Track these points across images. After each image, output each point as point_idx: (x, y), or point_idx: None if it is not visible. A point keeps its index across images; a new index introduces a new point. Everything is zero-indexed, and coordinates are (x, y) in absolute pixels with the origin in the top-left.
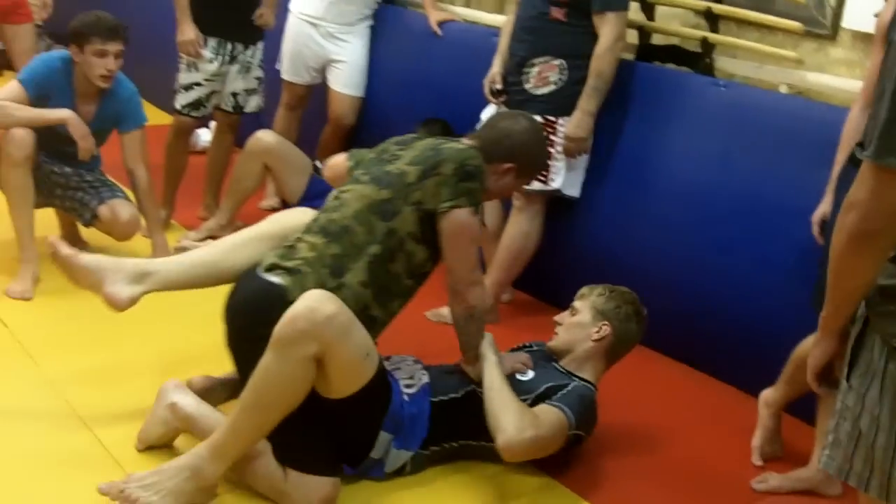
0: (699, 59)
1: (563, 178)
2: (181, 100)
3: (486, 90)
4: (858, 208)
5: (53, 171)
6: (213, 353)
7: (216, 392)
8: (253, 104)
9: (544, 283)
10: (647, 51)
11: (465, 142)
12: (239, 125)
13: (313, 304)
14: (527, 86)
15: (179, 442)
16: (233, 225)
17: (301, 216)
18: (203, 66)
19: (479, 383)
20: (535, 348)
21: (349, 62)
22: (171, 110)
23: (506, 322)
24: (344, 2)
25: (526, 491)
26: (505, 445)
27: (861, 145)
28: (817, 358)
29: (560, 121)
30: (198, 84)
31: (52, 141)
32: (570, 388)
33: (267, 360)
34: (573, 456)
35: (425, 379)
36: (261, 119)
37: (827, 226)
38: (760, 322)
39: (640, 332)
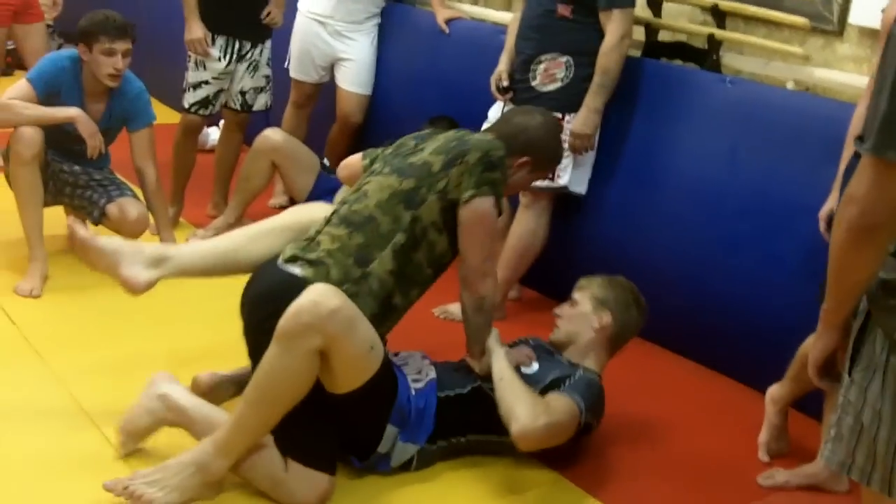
0: (706, 56)
1: (570, 175)
2: (189, 98)
3: (493, 87)
4: (859, 202)
5: (62, 169)
6: (221, 350)
7: (222, 388)
8: (261, 102)
9: (551, 279)
10: (654, 47)
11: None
12: (247, 124)
13: (317, 297)
14: (533, 83)
15: (167, 440)
16: (241, 223)
17: (319, 210)
18: (211, 64)
19: (485, 378)
20: (532, 343)
21: (357, 60)
22: (179, 109)
23: (513, 318)
24: (352, 0)
25: (532, 486)
26: (519, 434)
27: (861, 139)
28: (819, 352)
29: (567, 118)
30: (206, 82)
31: (60, 139)
32: (576, 377)
33: (271, 355)
34: (580, 451)
35: (432, 374)
36: (269, 118)
37: (834, 222)
38: (768, 318)
39: (641, 319)
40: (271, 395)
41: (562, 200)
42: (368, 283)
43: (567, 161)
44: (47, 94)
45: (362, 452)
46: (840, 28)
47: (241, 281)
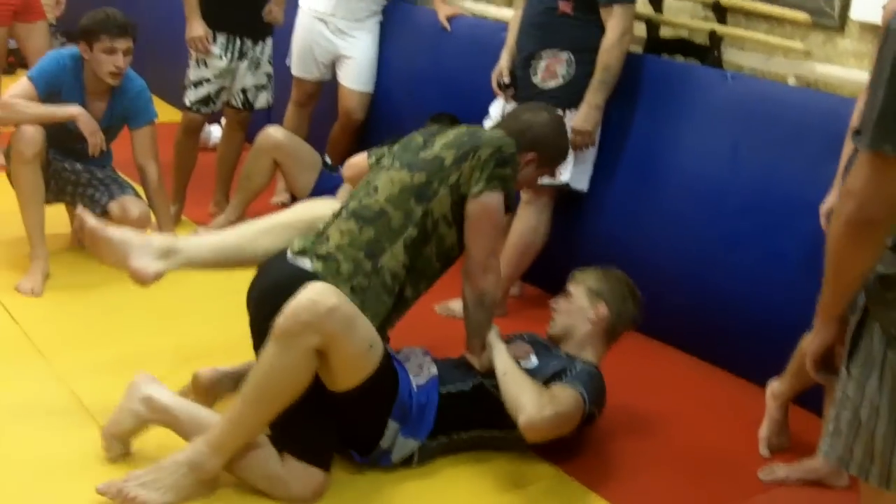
0: (707, 52)
1: (572, 171)
2: (190, 96)
3: (494, 84)
4: (856, 196)
5: (64, 167)
6: (223, 347)
7: (223, 384)
8: (262, 100)
9: (553, 276)
10: (655, 44)
11: None
12: (249, 121)
13: (315, 296)
14: (534, 79)
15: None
16: (243, 221)
17: (328, 205)
18: (212, 62)
19: (485, 374)
20: (527, 338)
21: (358, 58)
22: (180, 107)
23: (514, 315)
24: None
25: (533, 481)
26: (527, 424)
27: (858, 133)
28: (816, 345)
29: (568, 114)
30: (207, 80)
31: (62, 138)
32: (577, 369)
33: (269, 353)
34: (581, 446)
35: (434, 370)
36: (271, 116)
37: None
38: (769, 314)
39: (637, 310)
40: (268, 393)
41: (563, 197)
42: (381, 277)
43: (568, 158)
44: (48, 92)
45: (364, 448)
46: (841, 23)
47: (243, 278)
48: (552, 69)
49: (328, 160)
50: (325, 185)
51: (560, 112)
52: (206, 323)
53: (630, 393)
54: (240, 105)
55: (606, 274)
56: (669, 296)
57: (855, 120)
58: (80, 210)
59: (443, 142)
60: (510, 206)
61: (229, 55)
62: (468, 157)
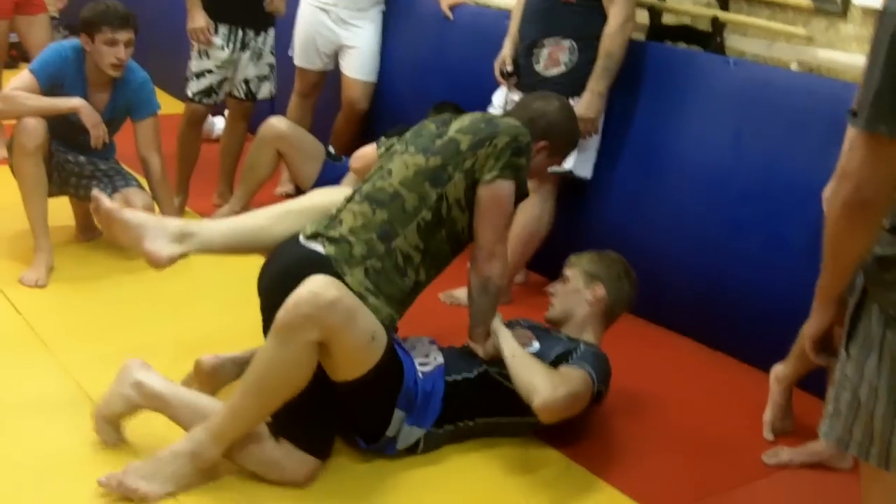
0: (710, 38)
1: (575, 159)
2: (193, 87)
3: (497, 73)
4: (852, 177)
5: (67, 160)
6: (228, 338)
7: (226, 370)
8: (265, 91)
9: (557, 264)
10: (658, 30)
11: None
12: (252, 112)
13: (316, 289)
14: (537, 67)
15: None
16: (247, 212)
17: (342, 193)
18: (214, 53)
19: (491, 363)
20: (524, 324)
21: (361, 48)
22: (183, 98)
23: (518, 302)
24: None
25: (537, 467)
26: (542, 405)
27: (854, 114)
28: (814, 327)
29: (571, 102)
30: (209, 71)
31: (65, 130)
32: (581, 350)
33: (269, 345)
34: (585, 432)
35: (440, 359)
36: (274, 106)
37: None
38: (772, 300)
39: (633, 291)
40: (268, 386)
41: (567, 185)
42: (393, 259)
43: None
44: (50, 84)
45: (370, 436)
46: (843, 8)
47: (249, 268)
48: (555, 57)
49: (332, 150)
50: (329, 176)
51: None
52: (211, 314)
53: (634, 379)
54: (242, 96)
55: (602, 256)
56: (673, 283)
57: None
58: (97, 192)
59: (458, 126)
60: (521, 196)
61: (231, 46)
62: (484, 145)
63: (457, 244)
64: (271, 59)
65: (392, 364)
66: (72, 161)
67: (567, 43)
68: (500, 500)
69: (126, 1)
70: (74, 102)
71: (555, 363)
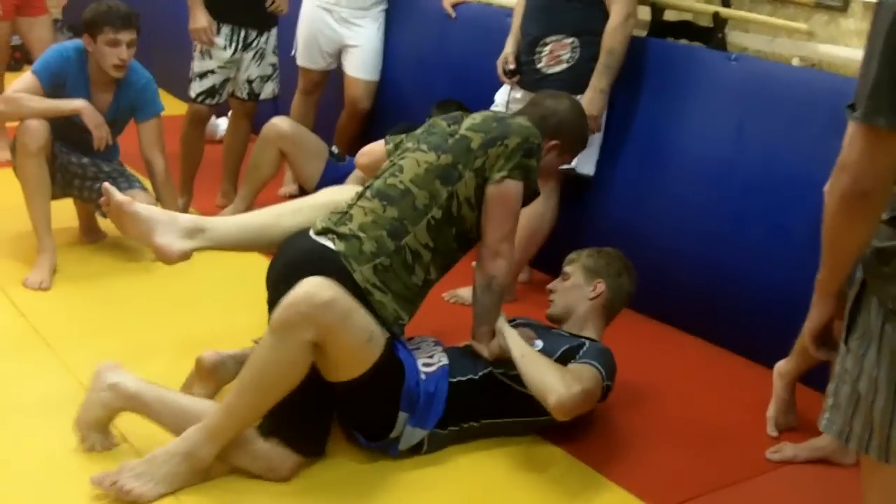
0: (711, 34)
1: (578, 156)
2: (196, 88)
3: (500, 70)
4: (850, 170)
5: (71, 161)
6: (231, 337)
7: (226, 367)
8: (268, 91)
9: (561, 262)
10: (660, 27)
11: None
12: (255, 112)
13: (312, 289)
14: (539, 65)
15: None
16: (251, 212)
17: (353, 191)
18: (217, 53)
19: (496, 364)
20: (522, 323)
21: (364, 47)
22: (186, 99)
23: (522, 300)
24: None
25: (541, 465)
26: (558, 404)
27: (852, 107)
28: (814, 321)
29: None
30: (212, 72)
31: (68, 131)
32: (586, 346)
33: (265, 344)
34: (589, 429)
35: (444, 360)
36: (277, 106)
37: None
38: (775, 295)
39: (632, 286)
40: (264, 384)
41: (570, 182)
42: (403, 256)
43: None
44: (53, 85)
45: (375, 437)
46: (844, 4)
47: (253, 267)
48: (557, 54)
49: (335, 150)
50: (332, 175)
51: None
52: (214, 312)
53: (638, 375)
54: (245, 96)
55: (601, 252)
56: (677, 278)
57: None
58: (107, 185)
59: (469, 124)
60: (529, 197)
61: (234, 46)
62: (495, 144)
63: (465, 242)
64: (274, 59)
65: (391, 364)
66: (75, 163)
67: (569, 40)
68: (503, 498)
69: (129, 1)
70: (77, 104)
71: (560, 359)
